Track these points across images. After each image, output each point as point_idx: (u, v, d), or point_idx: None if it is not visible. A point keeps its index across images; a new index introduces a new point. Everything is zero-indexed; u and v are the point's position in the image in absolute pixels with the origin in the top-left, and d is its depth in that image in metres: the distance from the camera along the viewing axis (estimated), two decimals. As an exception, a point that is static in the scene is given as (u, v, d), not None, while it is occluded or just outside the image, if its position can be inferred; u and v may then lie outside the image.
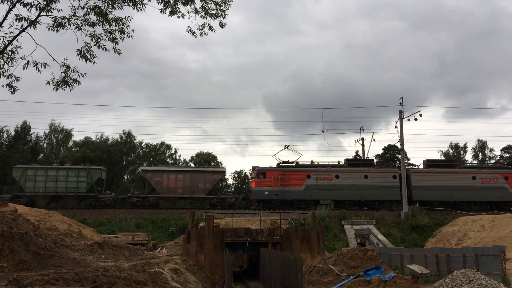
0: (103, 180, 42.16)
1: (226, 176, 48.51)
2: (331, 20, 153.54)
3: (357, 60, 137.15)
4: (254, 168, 42.90)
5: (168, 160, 71.15)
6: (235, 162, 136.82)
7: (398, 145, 42.81)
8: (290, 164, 43.26)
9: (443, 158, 73.01)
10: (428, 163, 44.06)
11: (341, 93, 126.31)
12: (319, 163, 43.73)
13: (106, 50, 13.04)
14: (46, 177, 38.61)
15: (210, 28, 14.39)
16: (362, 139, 53.72)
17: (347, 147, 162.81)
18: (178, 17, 13.95)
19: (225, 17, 14.27)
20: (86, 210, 37.74)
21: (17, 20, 12.46)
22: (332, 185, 41.05)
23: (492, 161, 72.23)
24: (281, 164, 43.11)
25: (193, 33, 14.47)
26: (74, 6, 12.85)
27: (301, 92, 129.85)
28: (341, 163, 44.03)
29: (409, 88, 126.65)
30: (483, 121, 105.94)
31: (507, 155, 71.99)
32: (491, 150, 72.60)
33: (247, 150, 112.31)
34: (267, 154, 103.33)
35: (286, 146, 46.08)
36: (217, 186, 42.60)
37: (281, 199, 40.71)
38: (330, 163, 43.81)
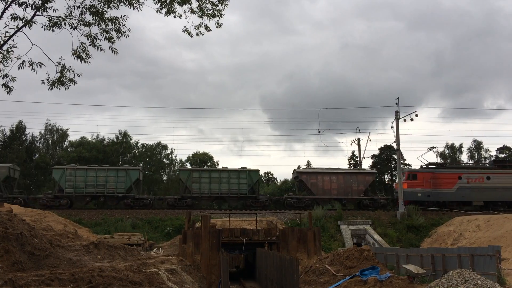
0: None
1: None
2: (328, 20, 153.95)
3: (354, 60, 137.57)
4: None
5: (164, 160, 71.10)
6: (232, 163, 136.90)
7: (394, 145, 42.85)
8: (432, 166, 43.64)
9: (438, 158, 73.26)
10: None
11: (338, 93, 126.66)
12: (467, 165, 45.21)
13: (101, 50, 13.01)
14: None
15: (207, 28, 14.39)
16: (358, 139, 53.86)
17: (344, 148, 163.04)
18: (175, 17, 13.95)
19: (221, 17, 14.28)
20: (82, 211, 37.61)
21: (13, 20, 12.43)
22: (483, 186, 41.47)
23: (488, 161, 72.54)
24: (429, 166, 43.54)
25: (189, 33, 14.47)
26: (70, 6, 12.81)
27: (298, 92, 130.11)
28: (486, 164, 44.61)
29: (406, 88, 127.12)
30: (479, 121, 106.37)
31: (503, 155, 72.26)
32: (487, 150, 72.89)
33: (243, 150, 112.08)
34: (263, 155, 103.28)
35: (431, 148, 47.12)
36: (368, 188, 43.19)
37: (433, 200, 41.22)
38: (479, 165, 44.45)
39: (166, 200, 40.50)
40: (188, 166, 67.44)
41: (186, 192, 40.17)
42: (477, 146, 72.76)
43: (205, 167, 60.20)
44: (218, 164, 69.96)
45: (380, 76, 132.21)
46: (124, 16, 13.15)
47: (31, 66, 12.29)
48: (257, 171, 41.84)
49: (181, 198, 39.88)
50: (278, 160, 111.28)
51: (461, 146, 72.94)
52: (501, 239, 26.56)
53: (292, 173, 44.88)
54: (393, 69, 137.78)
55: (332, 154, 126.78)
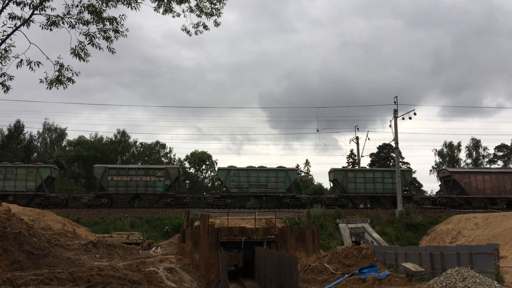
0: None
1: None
2: (326, 18, 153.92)
3: (353, 58, 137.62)
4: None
5: (163, 159, 71.03)
6: (231, 161, 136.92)
7: (393, 144, 42.89)
8: None
9: (437, 157, 73.36)
10: None
11: (337, 92, 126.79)
12: None
13: (100, 48, 12.99)
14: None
15: (205, 27, 14.37)
16: (357, 138, 53.89)
17: (343, 146, 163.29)
18: (174, 16, 13.93)
19: (219, 16, 14.26)
20: (80, 210, 37.59)
21: (11, 19, 12.39)
22: None
23: (486, 159, 72.65)
24: None
25: (188, 32, 14.45)
26: (68, 5, 12.79)
27: (296, 90, 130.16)
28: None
29: (405, 86, 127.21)
30: (479, 119, 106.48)
31: (501, 153, 72.37)
32: (485, 148, 72.92)
33: (242, 149, 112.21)
34: (262, 153, 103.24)
35: None
36: None
37: None
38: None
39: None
40: (187, 164, 67.45)
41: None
42: (475, 144, 72.79)
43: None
44: (216, 163, 69.96)
45: (379, 74, 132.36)
46: (122, 15, 13.14)
47: (29, 65, 12.27)
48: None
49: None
50: (277, 159, 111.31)
51: (459, 145, 73.02)
52: (500, 237, 26.62)
53: (439, 172, 45.31)
54: (392, 67, 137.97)
55: (331, 153, 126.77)
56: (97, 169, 39.70)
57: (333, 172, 42.37)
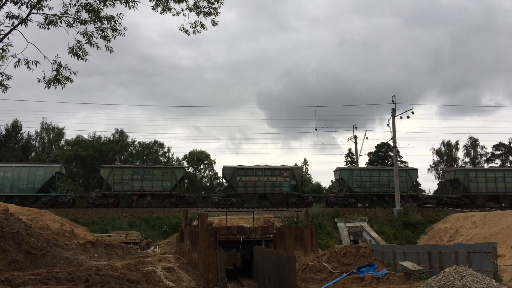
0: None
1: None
2: (325, 17, 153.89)
3: (351, 57, 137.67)
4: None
5: (161, 158, 70.99)
6: (229, 161, 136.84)
7: (391, 142, 42.95)
8: None
9: (435, 156, 73.44)
10: None
11: (336, 90, 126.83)
12: None
13: (98, 48, 12.97)
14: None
15: (202, 26, 14.36)
16: (355, 137, 53.93)
17: (341, 145, 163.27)
18: (173, 15, 13.91)
19: (217, 15, 14.24)
20: (78, 209, 37.54)
21: (8, 18, 12.37)
22: None
23: (484, 158, 72.81)
24: None
25: (186, 31, 14.44)
26: (66, 4, 12.76)
27: (295, 89, 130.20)
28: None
29: (404, 85, 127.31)
30: (477, 118, 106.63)
31: (498, 152, 72.51)
32: (483, 147, 73.03)
33: (241, 148, 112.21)
34: (261, 152, 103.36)
35: None
36: None
37: None
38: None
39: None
40: (185, 164, 67.39)
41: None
42: (473, 143, 72.90)
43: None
44: (215, 162, 69.99)
45: (378, 72, 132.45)
46: (120, 14, 13.12)
47: (27, 65, 12.25)
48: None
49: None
50: (276, 158, 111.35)
51: (457, 143, 73.10)
52: (497, 235, 26.69)
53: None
54: (391, 65, 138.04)
55: (330, 152, 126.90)
56: (227, 170, 40.94)
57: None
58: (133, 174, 39.26)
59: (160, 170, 40.08)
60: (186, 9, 13.93)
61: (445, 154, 73.02)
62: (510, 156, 72.47)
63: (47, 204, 37.47)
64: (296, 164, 60.28)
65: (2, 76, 12.66)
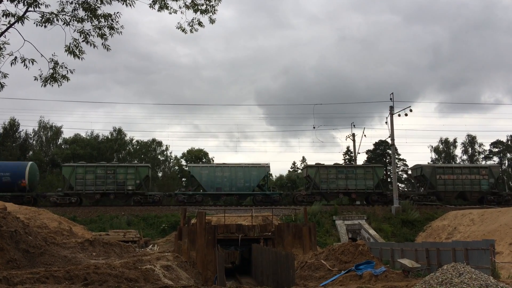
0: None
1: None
2: (323, 14, 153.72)
3: (350, 54, 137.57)
4: None
5: (159, 157, 70.96)
6: (228, 159, 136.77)
7: (389, 140, 42.98)
8: None
9: (433, 153, 73.52)
10: None
11: (335, 88, 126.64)
12: None
13: (94, 46, 12.93)
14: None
15: (200, 24, 14.32)
16: (353, 135, 53.92)
17: (340, 143, 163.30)
18: (170, 13, 13.86)
19: (214, 12, 14.20)
20: (76, 208, 37.51)
21: (4, 16, 12.31)
22: None
23: (482, 156, 72.93)
24: None
25: (183, 30, 14.39)
26: (63, 2, 12.71)
27: (293, 87, 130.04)
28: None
29: (403, 82, 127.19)
30: (476, 115, 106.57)
31: (496, 149, 72.62)
32: (481, 145, 73.11)
33: (239, 146, 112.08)
34: (260, 150, 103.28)
35: None
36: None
37: None
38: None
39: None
40: (183, 162, 67.40)
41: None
42: (471, 141, 72.96)
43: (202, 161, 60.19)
44: (213, 160, 69.96)
45: (377, 70, 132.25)
46: (117, 13, 13.08)
47: (23, 63, 12.20)
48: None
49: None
50: (274, 155, 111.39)
51: (455, 141, 73.17)
52: (495, 233, 26.76)
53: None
54: (390, 62, 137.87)
55: (329, 149, 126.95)
56: (426, 168, 42.56)
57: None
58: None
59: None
60: (183, 7, 13.89)
61: (443, 151, 73.10)
62: (508, 154, 72.64)
63: (260, 202, 40.07)
64: (494, 162, 61.70)
65: (-2, 74, 12.61)
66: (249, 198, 42.78)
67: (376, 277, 14.80)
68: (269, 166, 42.46)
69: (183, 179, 66.24)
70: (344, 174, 41.69)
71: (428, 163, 53.50)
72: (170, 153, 72.12)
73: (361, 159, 71.95)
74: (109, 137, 67.30)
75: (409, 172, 51.29)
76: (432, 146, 73.25)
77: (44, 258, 14.46)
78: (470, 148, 73.09)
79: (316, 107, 78.50)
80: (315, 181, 41.29)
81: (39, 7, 12.46)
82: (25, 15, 12.42)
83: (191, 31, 14.42)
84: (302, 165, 68.68)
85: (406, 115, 39.74)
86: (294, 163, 74.70)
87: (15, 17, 12.36)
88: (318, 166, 42.31)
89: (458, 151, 73.50)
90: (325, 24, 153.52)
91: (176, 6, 13.88)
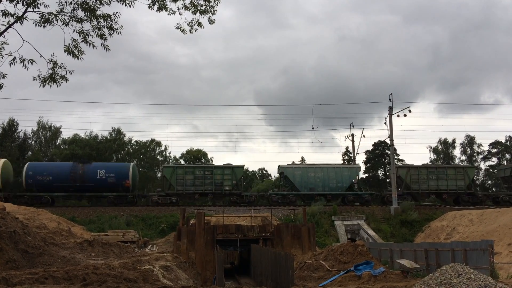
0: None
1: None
2: (322, 14, 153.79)
3: (350, 54, 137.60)
4: None
5: (158, 157, 70.87)
6: (227, 159, 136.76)
7: (388, 141, 43.01)
8: None
9: (432, 154, 73.53)
10: None
11: (334, 88, 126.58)
12: None
13: (93, 46, 12.92)
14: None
15: (199, 24, 14.32)
16: (352, 135, 53.97)
17: (339, 143, 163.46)
18: (169, 14, 13.86)
19: (214, 13, 14.20)
20: (75, 208, 37.48)
21: (3, 16, 12.31)
22: None
23: (481, 156, 72.95)
24: None
25: (182, 30, 14.39)
26: (62, 2, 12.71)
27: (293, 87, 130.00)
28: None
29: (402, 82, 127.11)
30: (475, 116, 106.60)
31: (495, 150, 72.66)
32: (479, 145, 73.11)
33: (238, 147, 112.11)
34: (259, 151, 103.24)
35: None
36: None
37: None
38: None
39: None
40: (182, 162, 67.29)
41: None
42: (470, 141, 72.95)
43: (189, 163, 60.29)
44: (212, 161, 69.90)
45: (376, 70, 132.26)
46: (116, 13, 13.07)
47: (22, 63, 12.18)
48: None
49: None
50: (274, 156, 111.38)
51: (454, 142, 73.17)
52: (494, 233, 26.77)
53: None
54: (389, 63, 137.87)
55: (328, 150, 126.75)
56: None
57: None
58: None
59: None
60: (182, 7, 13.89)
61: (442, 152, 73.12)
62: (506, 154, 72.70)
63: (352, 202, 40.80)
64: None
65: (-3, 74, 12.60)
66: (340, 198, 43.17)
67: (375, 278, 14.81)
68: (360, 167, 43.83)
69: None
70: (435, 174, 42.20)
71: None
72: (169, 153, 72.10)
73: (360, 159, 72.08)
74: (108, 137, 67.22)
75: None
76: (431, 147, 73.30)
77: (43, 259, 14.45)
78: (469, 149, 73.11)
79: (315, 107, 78.65)
80: (406, 182, 41.87)
81: (38, 7, 12.46)
82: (24, 15, 12.42)
83: (190, 31, 14.42)
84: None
85: (405, 115, 39.76)
86: (293, 163, 74.64)
87: (14, 17, 12.36)
88: (409, 167, 43.34)
89: (457, 152, 73.56)
90: (324, 24, 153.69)
91: (175, 7, 13.89)
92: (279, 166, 43.98)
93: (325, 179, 41.44)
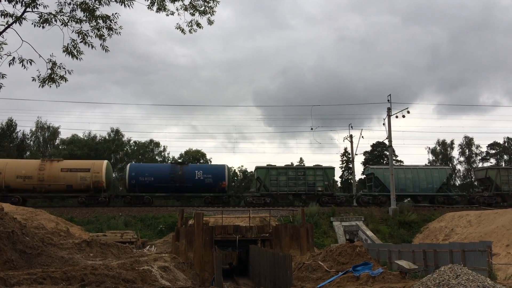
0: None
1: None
2: (321, 15, 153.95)
3: (349, 55, 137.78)
4: None
5: (157, 157, 70.80)
6: (226, 160, 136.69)
7: (387, 142, 43.04)
8: None
9: (430, 155, 73.62)
10: None
11: (333, 89, 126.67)
12: None
13: (92, 47, 12.91)
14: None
15: (198, 25, 14.32)
16: (351, 136, 53.91)
17: (338, 144, 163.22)
18: (167, 14, 13.85)
19: (213, 14, 14.20)
20: (74, 208, 37.42)
21: (2, 16, 12.29)
22: None
23: (479, 157, 73.06)
24: None
25: (182, 30, 14.38)
26: (61, 2, 12.70)
27: (292, 88, 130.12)
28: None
29: (401, 83, 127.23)
30: (474, 117, 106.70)
31: (493, 151, 72.78)
32: (478, 146, 73.23)
33: (237, 147, 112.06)
34: (258, 151, 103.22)
35: None
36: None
37: None
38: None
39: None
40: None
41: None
42: (468, 142, 73.03)
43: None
44: (210, 162, 69.82)
45: (375, 71, 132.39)
46: (115, 14, 13.06)
47: (21, 63, 12.17)
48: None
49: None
50: (272, 156, 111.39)
51: (452, 143, 73.27)
52: (492, 234, 26.80)
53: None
54: (388, 63, 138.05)
55: (327, 151, 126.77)
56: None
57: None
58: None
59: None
60: (181, 8, 13.89)
61: (440, 153, 73.20)
62: (504, 155, 72.82)
63: (442, 203, 40.99)
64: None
65: (-4, 74, 12.58)
66: (429, 199, 43.47)
67: (373, 279, 14.82)
68: (450, 168, 44.59)
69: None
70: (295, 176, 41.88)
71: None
72: (168, 154, 72.06)
73: (358, 160, 72.19)
74: (107, 137, 67.16)
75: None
76: (429, 148, 73.39)
77: (41, 259, 14.43)
78: (467, 150, 73.20)
79: (314, 108, 78.75)
80: (496, 182, 42.20)
81: (37, 8, 12.45)
82: (23, 16, 12.41)
83: (190, 31, 14.42)
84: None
85: (403, 116, 39.75)
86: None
87: (13, 18, 12.35)
88: (499, 168, 43.78)
89: (455, 153, 73.66)
90: (323, 24, 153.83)
91: (173, 8, 13.88)
92: (367, 166, 44.63)
93: (415, 180, 42.30)
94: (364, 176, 47.74)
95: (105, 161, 39.86)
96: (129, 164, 41.43)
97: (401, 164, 64.14)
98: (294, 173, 41.22)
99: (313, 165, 46.36)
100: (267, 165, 46.02)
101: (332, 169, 43.25)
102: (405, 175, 42.42)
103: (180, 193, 40.65)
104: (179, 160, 42.74)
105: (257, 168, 43.01)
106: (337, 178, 62.39)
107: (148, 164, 48.54)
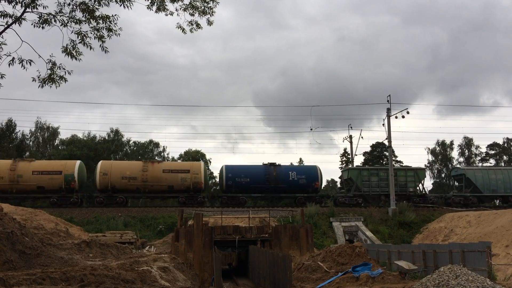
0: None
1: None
2: (321, 15, 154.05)
3: (349, 55, 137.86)
4: None
5: (156, 158, 70.77)
6: (226, 160, 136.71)
7: (386, 142, 43.03)
8: None
9: (430, 155, 73.65)
10: None
11: (333, 89, 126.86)
12: None
13: (91, 48, 12.91)
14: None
15: (198, 25, 14.33)
16: (350, 137, 53.89)
17: (338, 144, 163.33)
18: (166, 14, 13.87)
19: (212, 14, 14.21)
20: (73, 209, 37.37)
21: (2, 17, 12.30)
22: None
23: (478, 158, 73.09)
24: None
25: (183, 30, 14.39)
26: (60, 3, 12.71)
27: (291, 88, 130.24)
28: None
29: (401, 83, 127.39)
30: (474, 117, 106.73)
31: (493, 152, 72.81)
32: (477, 147, 73.25)
33: (237, 148, 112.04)
34: (258, 152, 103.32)
35: None
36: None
37: None
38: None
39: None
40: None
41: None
42: (468, 143, 73.06)
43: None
44: (210, 162, 69.86)
45: (375, 71, 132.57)
46: (115, 15, 13.06)
47: (21, 63, 12.18)
48: (423, 169, 43.95)
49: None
50: (272, 157, 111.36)
51: (451, 143, 73.27)
52: (492, 235, 26.80)
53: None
54: (388, 64, 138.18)
55: (327, 151, 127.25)
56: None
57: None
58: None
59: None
60: (180, 9, 13.90)
61: (440, 153, 73.23)
62: (504, 156, 72.83)
63: None
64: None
65: (-4, 75, 12.57)
66: None
67: (373, 279, 14.83)
68: None
69: None
70: None
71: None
72: (167, 154, 72.05)
73: (358, 161, 72.17)
74: (106, 138, 67.14)
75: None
76: (429, 148, 73.42)
77: (40, 259, 14.42)
78: (466, 151, 73.23)
79: (314, 108, 78.69)
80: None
81: (36, 8, 12.45)
82: (22, 16, 12.41)
83: (191, 30, 14.43)
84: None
85: (403, 117, 39.72)
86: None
87: (13, 18, 12.35)
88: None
89: (454, 153, 73.68)
90: (323, 25, 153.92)
91: (173, 8, 13.90)
92: (455, 167, 44.60)
93: (506, 181, 42.48)
94: (452, 176, 47.72)
95: (202, 163, 41.21)
96: (224, 166, 41.36)
97: (402, 164, 64.16)
98: (385, 174, 41.18)
99: (402, 166, 46.01)
100: (356, 166, 46.01)
101: (423, 170, 43.71)
102: (495, 176, 42.63)
103: (275, 194, 41.27)
104: (270, 162, 42.43)
105: (350, 169, 43.10)
106: (336, 178, 62.35)
107: (242, 165, 47.75)
